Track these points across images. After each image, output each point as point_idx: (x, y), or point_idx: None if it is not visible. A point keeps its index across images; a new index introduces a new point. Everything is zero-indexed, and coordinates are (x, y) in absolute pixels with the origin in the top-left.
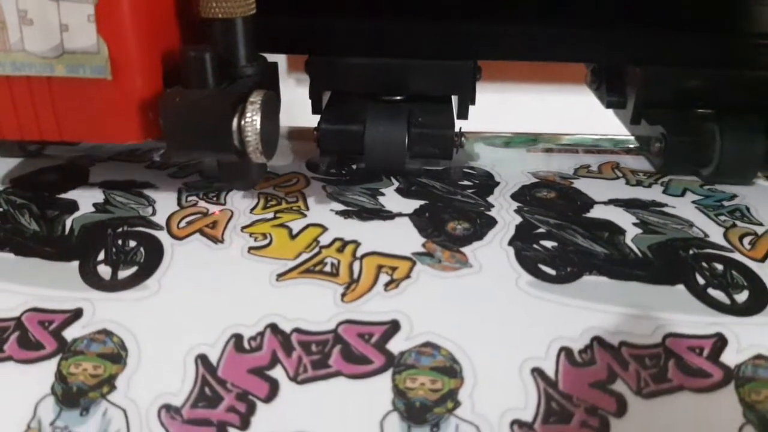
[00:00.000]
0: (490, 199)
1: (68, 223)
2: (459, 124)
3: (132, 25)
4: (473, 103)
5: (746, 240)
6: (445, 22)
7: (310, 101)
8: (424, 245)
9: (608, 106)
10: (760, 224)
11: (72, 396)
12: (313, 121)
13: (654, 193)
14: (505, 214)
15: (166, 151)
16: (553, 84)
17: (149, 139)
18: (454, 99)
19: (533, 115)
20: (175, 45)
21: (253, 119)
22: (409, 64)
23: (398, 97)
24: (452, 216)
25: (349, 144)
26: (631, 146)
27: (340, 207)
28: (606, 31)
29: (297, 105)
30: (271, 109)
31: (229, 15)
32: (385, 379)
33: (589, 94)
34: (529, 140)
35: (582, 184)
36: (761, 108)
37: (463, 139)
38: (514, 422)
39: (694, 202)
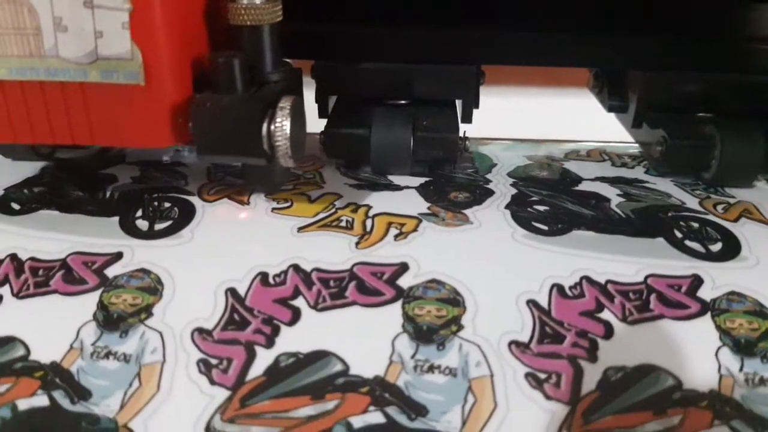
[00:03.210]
0: (488, 176)
1: (108, 190)
2: (463, 128)
3: (165, 31)
4: (477, 106)
5: (720, 207)
6: (450, 28)
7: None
8: (429, 208)
9: (610, 110)
10: (733, 197)
11: (112, 321)
12: (319, 124)
13: (637, 173)
14: (502, 187)
15: (197, 154)
16: (557, 87)
17: (180, 143)
18: (459, 103)
19: (537, 118)
20: (204, 51)
21: (283, 124)
22: (413, 69)
23: (403, 102)
24: (454, 188)
25: (355, 148)
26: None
27: (354, 182)
28: (607, 36)
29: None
30: (299, 114)
31: (257, 22)
32: (395, 308)
33: (592, 97)
34: (533, 147)
35: (571, 165)
36: (761, 112)
37: (467, 142)
38: (512, 342)
39: (672, 180)
